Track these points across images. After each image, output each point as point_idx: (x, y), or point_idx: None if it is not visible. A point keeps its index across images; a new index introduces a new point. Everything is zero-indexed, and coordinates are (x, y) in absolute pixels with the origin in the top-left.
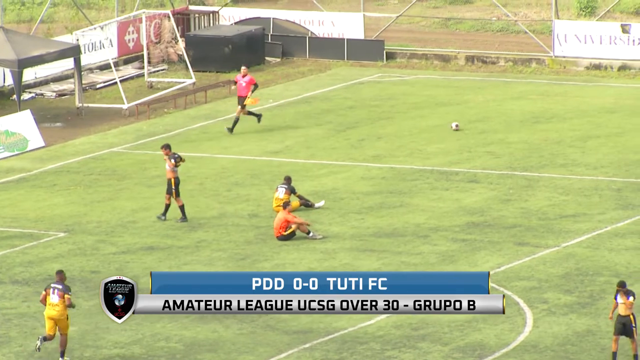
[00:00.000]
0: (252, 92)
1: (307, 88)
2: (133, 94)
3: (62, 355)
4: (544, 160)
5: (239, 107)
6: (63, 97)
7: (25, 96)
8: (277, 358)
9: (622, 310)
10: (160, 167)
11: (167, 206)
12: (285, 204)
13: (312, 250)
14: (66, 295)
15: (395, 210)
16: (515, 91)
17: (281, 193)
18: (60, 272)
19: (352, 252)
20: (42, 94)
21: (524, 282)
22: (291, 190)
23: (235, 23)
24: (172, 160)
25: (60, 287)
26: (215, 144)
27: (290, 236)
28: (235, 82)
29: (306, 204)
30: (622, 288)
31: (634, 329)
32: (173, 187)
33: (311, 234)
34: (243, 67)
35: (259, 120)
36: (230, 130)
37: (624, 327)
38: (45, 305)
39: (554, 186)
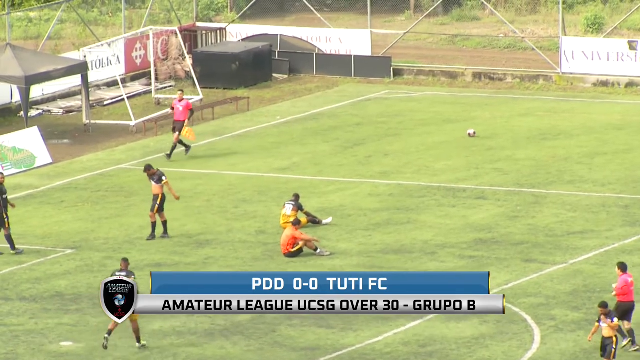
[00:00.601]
0: (189, 117)
1: (314, 105)
2: (140, 111)
3: (139, 340)
4: (552, 177)
5: (177, 133)
6: (70, 114)
7: (33, 113)
8: None
9: (606, 332)
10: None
11: (154, 224)
12: (296, 222)
13: (319, 267)
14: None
15: (402, 227)
16: (522, 108)
17: (288, 210)
18: (125, 260)
19: (359, 268)
20: (49, 111)
21: (531, 299)
22: (299, 207)
23: (243, 40)
24: (162, 178)
25: (124, 274)
26: (222, 160)
27: (298, 253)
28: (172, 108)
29: (314, 221)
30: (605, 309)
31: (613, 349)
32: (158, 203)
33: (319, 251)
34: (179, 92)
35: (187, 152)
36: (169, 156)
37: (606, 348)
38: None
39: (562, 203)
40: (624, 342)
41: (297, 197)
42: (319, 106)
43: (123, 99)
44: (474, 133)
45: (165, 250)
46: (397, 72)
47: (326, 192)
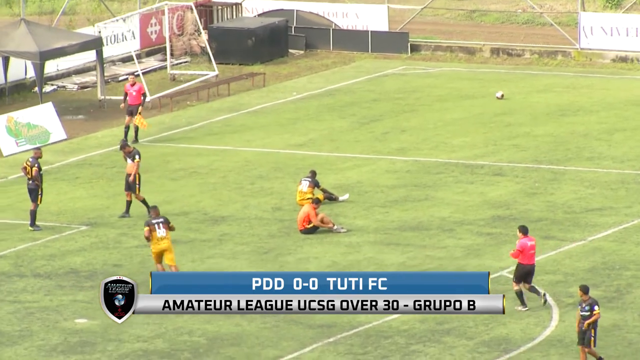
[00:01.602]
0: (143, 102)
1: (330, 81)
2: (155, 87)
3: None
4: (570, 154)
5: (129, 117)
6: (85, 90)
7: (47, 88)
8: (301, 352)
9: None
10: (183, 160)
11: (129, 203)
12: (316, 201)
13: (336, 244)
14: (171, 225)
15: (419, 203)
16: (540, 84)
17: (305, 186)
18: (155, 207)
19: (377, 245)
20: (64, 87)
21: (549, 276)
22: (315, 184)
23: (259, 15)
24: (136, 157)
25: (162, 220)
26: (238, 136)
27: (314, 229)
28: (126, 93)
29: (330, 198)
30: (585, 295)
31: (592, 337)
32: (137, 183)
33: (335, 228)
34: (131, 77)
35: (136, 139)
36: (136, 139)
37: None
38: (151, 242)
39: (580, 179)
40: (541, 300)
41: (313, 173)
42: (336, 82)
43: (138, 75)
44: (502, 96)
45: (180, 227)
46: (415, 48)
47: (343, 168)
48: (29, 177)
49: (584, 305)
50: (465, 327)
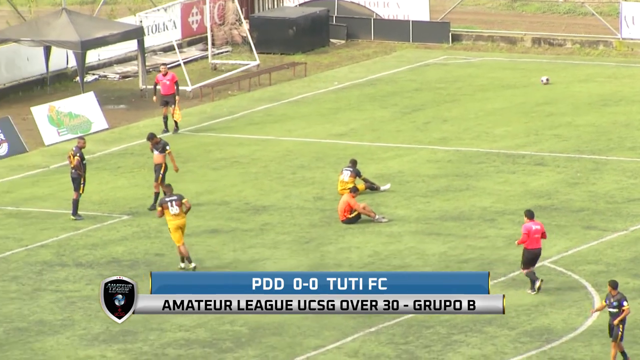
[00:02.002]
0: (178, 91)
1: (372, 70)
2: (197, 76)
3: (190, 260)
4: (612, 143)
5: (172, 107)
6: (126, 79)
7: (89, 78)
8: (343, 342)
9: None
10: (225, 149)
11: (157, 195)
12: (354, 190)
13: (377, 234)
14: (184, 200)
15: (461, 193)
16: (582, 73)
17: (346, 176)
18: (168, 185)
19: (418, 235)
20: (105, 76)
21: (591, 266)
22: (356, 173)
23: (300, 5)
24: (166, 147)
25: (175, 198)
26: (279, 126)
27: (356, 219)
28: (157, 83)
29: (372, 187)
30: (614, 289)
31: (620, 332)
32: (162, 173)
33: (377, 217)
34: (162, 66)
35: (176, 129)
36: (176, 130)
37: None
38: (168, 220)
39: (622, 169)
40: (537, 283)
41: (354, 163)
42: (377, 72)
43: (179, 64)
44: (547, 80)
45: (222, 217)
46: (456, 38)
47: (384, 158)
48: (72, 166)
49: (612, 300)
50: (507, 317)
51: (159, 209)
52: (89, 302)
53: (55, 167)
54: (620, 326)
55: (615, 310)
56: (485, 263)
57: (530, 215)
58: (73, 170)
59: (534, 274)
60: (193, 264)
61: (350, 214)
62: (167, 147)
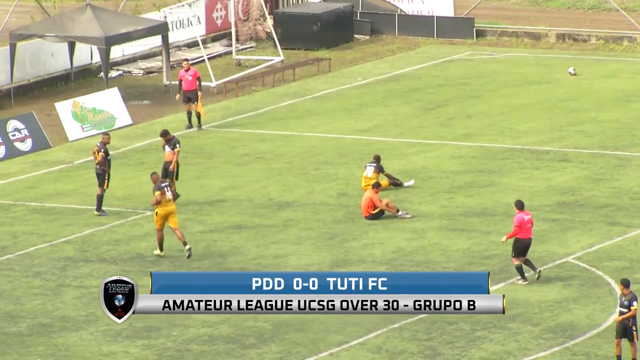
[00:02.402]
0: (200, 87)
1: (396, 66)
2: (221, 72)
3: (185, 244)
4: (636, 139)
5: (195, 103)
6: (150, 75)
7: (113, 74)
8: (366, 338)
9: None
10: (249, 145)
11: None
12: (376, 185)
13: (401, 230)
14: (173, 187)
15: (485, 189)
16: (606, 70)
17: (370, 172)
18: (154, 173)
19: (442, 231)
20: (129, 72)
21: (615, 262)
22: (380, 169)
23: (324, 0)
24: (177, 145)
25: (167, 183)
26: (303, 122)
27: (379, 215)
28: (180, 80)
29: (395, 183)
30: (627, 288)
31: (634, 332)
32: (176, 171)
33: (400, 213)
34: (185, 62)
35: (199, 126)
36: (199, 126)
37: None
38: (160, 205)
39: None
40: (535, 275)
41: (377, 158)
42: (401, 67)
43: (203, 60)
44: (574, 70)
45: (245, 212)
46: (480, 33)
47: (408, 154)
48: (96, 162)
49: (623, 299)
50: (530, 313)
51: (158, 192)
52: None
53: (79, 163)
54: (633, 325)
55: (625, 310)
56: (508, 259)
57: (520, 205)
58: (98, 166)
59: (531, 263)
60: (188, 246)
61: (373, 210)
62: (178, 145)
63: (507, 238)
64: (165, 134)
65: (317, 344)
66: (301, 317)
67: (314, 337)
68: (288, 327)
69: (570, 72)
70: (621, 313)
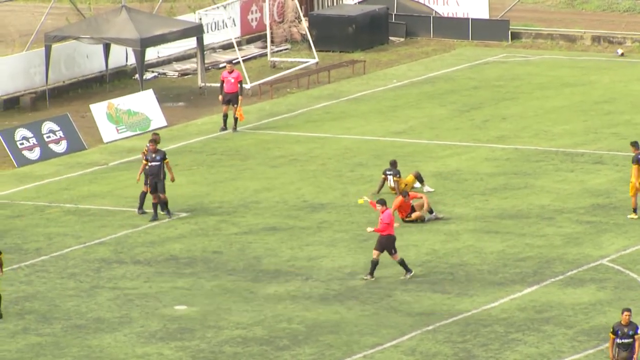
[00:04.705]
0: (241, 91)
1: (430, 68)
2: (256, 74)
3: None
4: None
5: (235, 106)
6: (185, 77)
7: (148, 75)
8: (400, 340)
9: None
10: (283, 147)
11: (166, 203)
12: (405, 194)
13: (435, 232)
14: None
15: (519, 191)
16: None
17: (391, 181)
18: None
19: (476, 233)
20: (164, 74)
21: None
22: (396, 174)
23: (359, 2)
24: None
25: (159, 157)
26: (338, 124)
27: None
28: (223, 81)
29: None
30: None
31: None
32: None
33: (433, 214)
34: (228, 64)
35: (235, 128)
36: (235, 128)
37: None
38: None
39: None
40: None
41: (394, 163)
42: (436, 69)
43: (238, 62)
44: (622, 54)
45: (280, 214)
46: (515, 36)
47: (442, 156)
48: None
49: (625, 330)
50: (564, 315)
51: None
52: (146, 299)
53: (114, 165)
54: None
55: (629, 340)
56: (542, 261)
57: (383, 202)
58: (147, 167)
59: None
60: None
61: (408, 217)
62: (166, 157)
63: (376, 230)
64: (156, 141)
65: (351, 346)
66: (335, 318)
67: (347, 339)
68: (322, 329)
69: (617, 53)
70: (622, 345)
